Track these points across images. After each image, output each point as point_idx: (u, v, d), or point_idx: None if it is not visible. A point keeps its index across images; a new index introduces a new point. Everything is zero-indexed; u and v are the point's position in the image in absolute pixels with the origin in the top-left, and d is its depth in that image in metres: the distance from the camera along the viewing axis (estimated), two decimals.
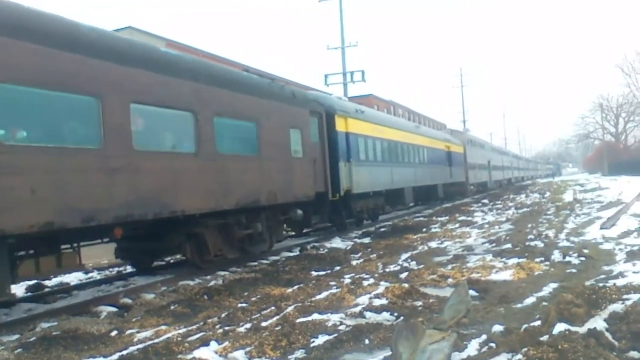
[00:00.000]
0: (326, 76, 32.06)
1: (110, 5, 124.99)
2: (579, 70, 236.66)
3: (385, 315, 6.11)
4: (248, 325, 6.02)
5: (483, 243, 11.83)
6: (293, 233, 16.21)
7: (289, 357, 4.99)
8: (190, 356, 5.12)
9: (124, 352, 5.35)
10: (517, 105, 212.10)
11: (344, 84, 31.34)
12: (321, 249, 13.06)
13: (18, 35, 6.56)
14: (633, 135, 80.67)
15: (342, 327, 5.65)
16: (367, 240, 14.97)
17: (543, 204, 23.95)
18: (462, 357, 4.53)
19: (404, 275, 8.49)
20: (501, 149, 63.23)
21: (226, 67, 13.43)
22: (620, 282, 6.27)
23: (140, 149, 8.33)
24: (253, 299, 7.67)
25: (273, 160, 11.93)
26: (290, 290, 8.07)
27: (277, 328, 5.73)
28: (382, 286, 7.55)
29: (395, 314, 6.10)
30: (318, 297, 7.28)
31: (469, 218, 19.24)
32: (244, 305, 7.29)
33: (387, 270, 9.18)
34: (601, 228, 12.36)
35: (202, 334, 5.90)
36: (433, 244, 12.49)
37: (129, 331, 6.42)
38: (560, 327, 4.50)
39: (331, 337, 5.33)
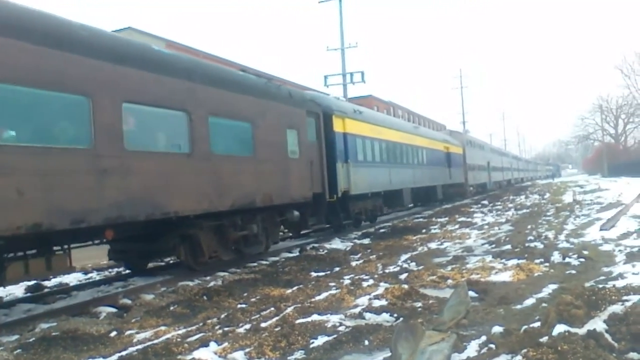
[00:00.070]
0: (326, 77, 32.11)
1: (110, 5, 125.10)
2: (579, 72, 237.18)
3: (385, 316, 6.11)
4: (247, 326, 6.01)
5: (483, 244, 11.83)
6: (290, 234, 16.18)
7: (289, 358, 4.99)
8: (189, 357, 5.12)
9: (124, 353, 5.35)
10: (516, 106, 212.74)
11: (343, 85, 31.35)
12: (321, 250, 13.05)
13: (4, 32, 6.45)
14: (633, 137, 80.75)
15: (341, 328, 5.65)
16: (366, 241, 14.96)
17: (543, 205, 23.96)
18: (461, 358, 4.53)
19: (403, 276, 8.49)
20: (501, 150, 63.26)
21: (221, 67, 13.32)
22: (619, 283, 6.26)
23: (132, 149, 8.21)
24: (252, 299, 7.66)
25: (269, 161, 11.85)
26: (289, 291, 8.07)
27: (277, 329, 5.73)
28: (382, 287, 7.55)
29: (395, 315, 6.10)
30: (317, 298, 7.29)
31: (469, 219, 19.24)
32: (243, 306, 7.28)
33: (387, 271, 9.18)
34: (601, 229, 12.36)
35: (201, 334, 5.89)
36: (433, 245, 12.49)
37: (128, 332, 6.42)
38: (559, 328, 4.50)
39: (331, 338, 5.33)
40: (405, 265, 9.63)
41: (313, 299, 7.19)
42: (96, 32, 8.24)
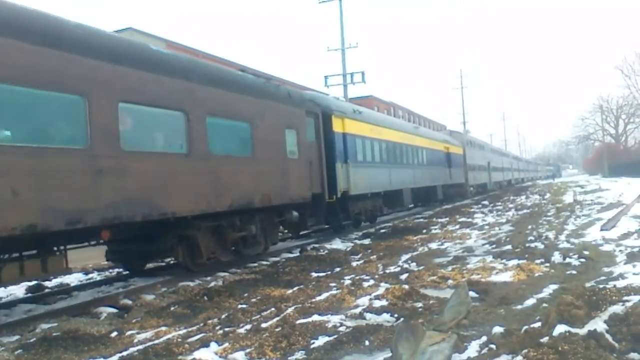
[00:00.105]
0: (326, 77, 32.09)
1: (110, 5, 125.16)
2: (579, 72, 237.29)
3: (386, 316, 6.11)
4: (248, 327, 6.02)
5: (483, 244, 11.83)
6: (290, 235, 16.18)
7: (289, 358, 4.99)
8: (190, 357, 5.12)
9: (124, 353, 5.35)
10: (517, 106, 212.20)
11: (344, 85, 31.35)
12: (321, 250, 13.04)
13: (4, 32, 6.41)
14: (633, 137, 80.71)
15: (342, 329, 5.66)
16: (367, 241, 14.96)
17: (543, 205, 23.95)
18: (462, 358, 4.53)
19: (404, 276, 8.49)
20: (501, 150, 63.25)
21: (220, 66, 13.26)
22: (620, 283, 6.27)
23: (129, 149, 8.17)
24: (253, 300, 7.67)
25: (268, 161, 11.80)
26: (290, 291, 8.07)
27: (277, 329, 5.73)
28: (382, 287, 7.56)
29: (396, 315, 6.10)
30: (318, 298, 7.29)
31: (469, 219, 19.24)
32: (244, 306, 7.29)
33: (387, 271, 9.19)
34: (601, 229, 12.36)
35: (202, 335, 5.90)
36: (433, 245, 12.49)
37: (129, 332, 6.42)
38: (560, 328, 4.51)
39: (331, 338, 5.33)
40: (405, 266, 9.63)
41: (314, 299, 7.19)
42: (92, 31, 8.18)
